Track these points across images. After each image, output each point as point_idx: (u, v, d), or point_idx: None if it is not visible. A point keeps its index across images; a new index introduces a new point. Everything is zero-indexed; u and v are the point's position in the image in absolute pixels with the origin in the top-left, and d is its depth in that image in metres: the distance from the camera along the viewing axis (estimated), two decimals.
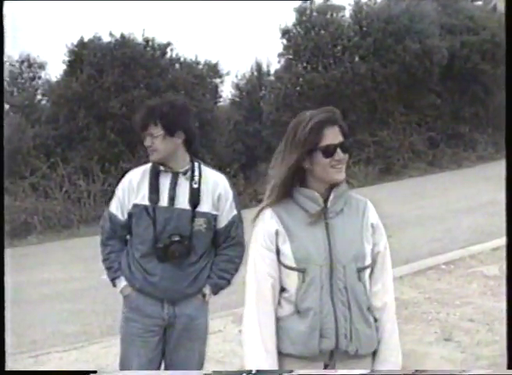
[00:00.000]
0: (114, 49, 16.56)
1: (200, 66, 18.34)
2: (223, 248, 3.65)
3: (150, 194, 3.51)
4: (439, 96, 19.00)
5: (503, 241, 8.39)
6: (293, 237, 2.61)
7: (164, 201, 3.50)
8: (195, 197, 3.51)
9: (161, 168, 3.54)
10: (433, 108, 18.89)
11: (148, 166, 3.61)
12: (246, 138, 18.49)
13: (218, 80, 18.91)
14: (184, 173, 3.54)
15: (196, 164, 3.60)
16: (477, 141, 18.95)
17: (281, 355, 2.65)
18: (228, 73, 19.06)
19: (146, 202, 3.50)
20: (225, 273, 3.64)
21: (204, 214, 3.52)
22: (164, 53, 17.56)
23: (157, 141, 3.48)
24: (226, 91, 19.85)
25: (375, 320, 2.71)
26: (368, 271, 2.68)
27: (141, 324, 3.57)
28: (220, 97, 19.49)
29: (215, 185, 3.58)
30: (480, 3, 21.42)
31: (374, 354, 2.74)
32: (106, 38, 16.93)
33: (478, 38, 18.71)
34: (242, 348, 2.73)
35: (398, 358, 2.75)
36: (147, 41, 17.24)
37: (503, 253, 8.04)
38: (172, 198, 3.50)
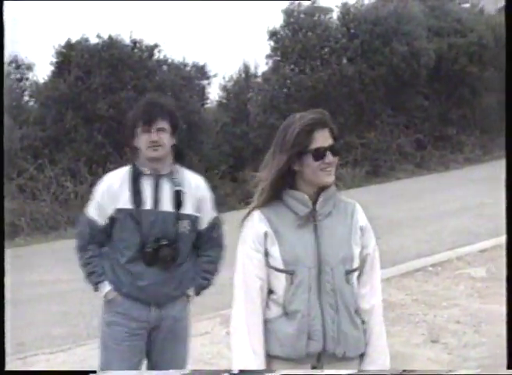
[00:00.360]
0: (101, 51, 16.48)
1: (188, 68, 18.28)
2: (205, 250, 3.67)
3: (133, 197, 3.48)
4: (427, 98, 19.04)
5: (490, 242, 8.52)
6: (281, 240, 2.61)
7: (148, 204, 3.48)
8: (178, 199, 3.50)
9: (146, 171, 3.52)
10: (421, 111, 18.92)
11: (125, 169, 3.60)
12: (233, 140, 18.41)
13: (205, 82, 18.86)
14: (166, 176, 3.54)
15: (176, 166, 3.60)
16: (464, 143, 18.99)
17: (269, 356, 2.65)
18: (215, 75, 19.01)
19: (129, 206, 3.48)
20: (208, 273, 3.69)
21: (187, 216, 3.53)
22: (151, 55, 17.48)
23: (163, 135, 3.46)
24: (214, 93, 19.78)
25: (363, 323, 2.71)
26: (356, 273, 2.69)
27: (127, 328, 3.54)
28: (207, 99, 19.43)
29: (197, 187, 3.60)
30: (467, 5, 21.49)
31: (361, 356, 2.74)
32: (94, 40, 16.82)
33: (466, 40, 18.75)
34: (230, 350, 2.73)
35: (386, 361, 2.75)
36: (134, 42, 17.16)
37: (490, 255, 8.13)
38: (156, 201, 3.49)
